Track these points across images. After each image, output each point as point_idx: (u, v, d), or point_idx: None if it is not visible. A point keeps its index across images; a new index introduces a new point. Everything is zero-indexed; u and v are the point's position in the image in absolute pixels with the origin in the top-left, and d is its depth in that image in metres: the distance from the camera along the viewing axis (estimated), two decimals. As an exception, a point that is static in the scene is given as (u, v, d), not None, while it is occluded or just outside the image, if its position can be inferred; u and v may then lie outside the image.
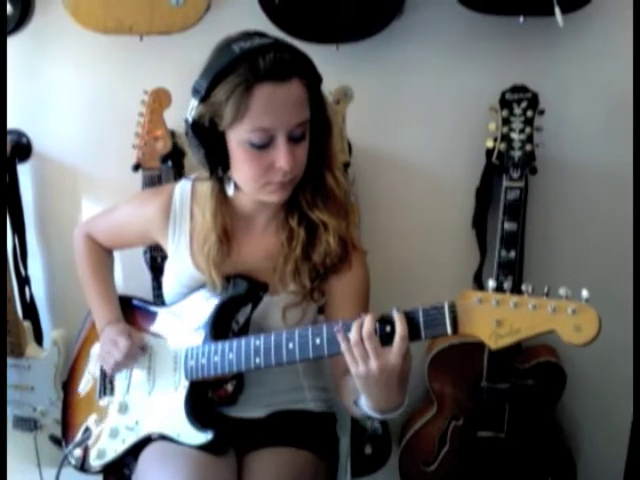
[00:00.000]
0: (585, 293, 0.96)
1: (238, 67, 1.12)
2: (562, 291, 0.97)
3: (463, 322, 1.02)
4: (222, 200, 1.31)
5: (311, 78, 1.18)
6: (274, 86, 1.13)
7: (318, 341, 1.13)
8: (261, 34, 1.19)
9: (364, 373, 1.08)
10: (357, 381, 1.11)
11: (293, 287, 1.33)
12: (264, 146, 1.16)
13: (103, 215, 1.54)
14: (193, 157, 1.24)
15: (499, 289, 1.02)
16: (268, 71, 1.12)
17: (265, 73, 1.12)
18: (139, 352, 1.38)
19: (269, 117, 1.14)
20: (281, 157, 1.16)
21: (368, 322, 1.07)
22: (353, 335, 1.08)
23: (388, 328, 1.07)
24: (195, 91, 1.16)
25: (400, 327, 1.05)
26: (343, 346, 1.09)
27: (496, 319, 1.00)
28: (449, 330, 1.03)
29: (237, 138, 1.17)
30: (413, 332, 1.06)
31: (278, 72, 1.12)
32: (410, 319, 1.06)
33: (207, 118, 1.17)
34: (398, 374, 1.08)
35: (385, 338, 1.07)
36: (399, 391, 1.11)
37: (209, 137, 1.18)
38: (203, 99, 1.15)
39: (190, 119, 1.17)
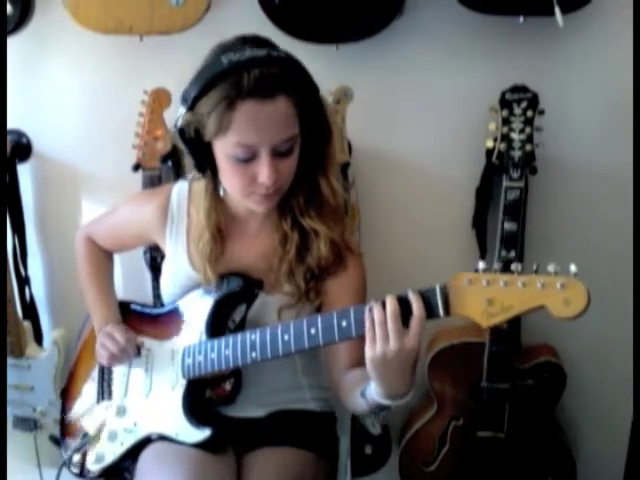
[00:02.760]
0: (573, 268, 0.98)
1: (223, 81, 1.12)
2: (551, 267, 0.99)
3: (455, 304, 1.03)
4: (216, 199, 1.32)
5: (301, 93, 1.16)
6: (258, 103, 1.12)
7: (313, 331, 1.13)
8: (256, 41, 1.18)
9: (381, 355, 1.06)
10: (371, 365, 1.09)
11: (288, 288, 1.33)
12: (248, 160, 1.17)
13: (102, 217, 1.54)
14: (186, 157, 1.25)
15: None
16: (252, 88, 1.11)
17: (249, 90, 1.11)
18: (134, 349, 1.39)
19: (252, 134, 1.14)
20: (263, 172, 1.16)
21: (391, 302, 1.06)
22: (377, 315, 1.06)
23: (404, 309, 1.06)
24: (183, 99, 1.17)
25: (417, 307, 1.05)
26: (368, 325, 1.07)
27: (487, 298, 1.01)
28: (441, 311, 1.04)
29: (222, 150, 1.18)
30: (406, 315, 1.06)
31: (262, 89, 1.11)
32: (403, 302, 1.06)
33: (192, 127, 1.17)
34: (413, 357, 1.07)
35: (402, 319, 1.06)
36: (411, 375, 1.10)
37: (196, 145, 1.19)
38: (189, 108, 1.16)
39: (178, 126, 1.18)
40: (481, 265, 1.03)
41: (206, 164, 1.22)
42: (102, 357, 1.40)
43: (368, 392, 1.17)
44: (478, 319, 1.02)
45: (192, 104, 1.15)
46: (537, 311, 1.00)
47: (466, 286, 1.02)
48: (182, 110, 1.17)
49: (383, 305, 1.07)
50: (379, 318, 1.06)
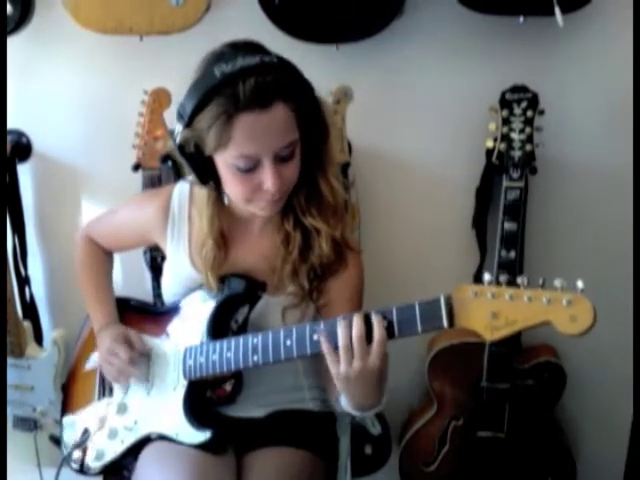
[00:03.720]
0: (580, 284, 0.97)
1: (218, 95, 1.11)
2: (557, 282, 0.98)
3: (459, 315, 1.03)
4: (219, 206, 1.32)
5: (297, 96, 1.16)
6: (256, 114, 1.11)
7: (315, 337, 1.14)
8: (247, 47, 1.17)
9: (345, 374, 1.10)
10: (337, 382, 1.14)
11: (292, 288, 1.33)
12: (251, 169, 1.17)
13: (103, 218, 1.54)
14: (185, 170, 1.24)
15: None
16: (249, 100, 1.10)
17: (246, 102, 1.10)
18: (140, 359, 1.37)
19: (253, 145, 1.14)
20: (268, 180, 1.16)
21: (358, 325, 1.08)
22: (342, 338, 1.09)
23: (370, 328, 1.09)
24: (179, 116, 1.16)
25: (377, 331, 1.07)
26: (325, 348, 1.11)
27: (492, 311, 1.00)
28: (445, 323, 1.04)
29: (223, 161, 1.18)
30: (409, 326, 1.06)
31: (259, 100, 1.11)
32: (405, 315, 1.07)
33: (192, 143, 1.17)
34: (377, 374, 1.10)
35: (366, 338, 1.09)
36: (378, 390, 1.15)
37: (196, 159, 1.19)
38: (187, 125, 1.15)
39: (176, 142, 1.17)
40: (487, 277, 1.02)
41: (208, 176, 1.22)
42: (109, 375, 1.39)
43: (341, 400, 1.21)
44: (482, 332, 1.02)
45: (189, 120, 1.14)
46: (542, 326, 0.99)
47: (471, 298, 1.02)
48: (179, 127, 1.17)
49: (349, 327, 1.09)
50: (344, 342, 1.09)
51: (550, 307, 0.97)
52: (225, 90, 1.11)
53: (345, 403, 1.20)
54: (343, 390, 1.16)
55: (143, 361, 1.38)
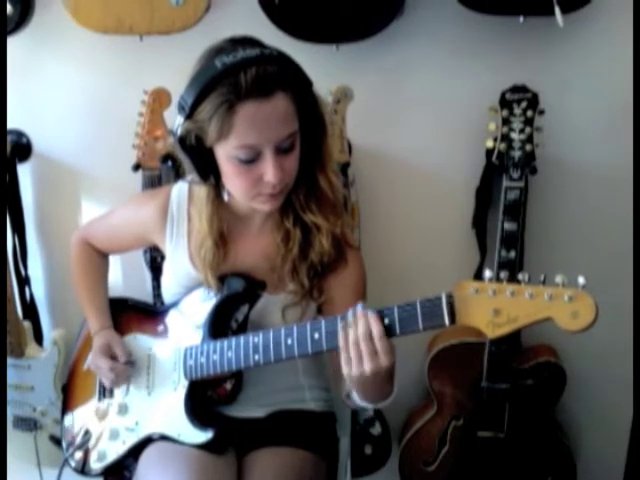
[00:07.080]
0: (581, 280, 0.96)
1: (220, 85, 1.11)
2: (558, 279, 0.98)
3: (460, 312, 1.03)
4: (218, 204, 1.31)
5: (297, 88, 1.16)
6: (257, 103, 1.12)
7: (317, 336, 1.14)
8: (246, 42, 1.17)
9: (358, 374, 1.09)
10: (348, 380, 1.13)
11: (292, 287, 1.33)
12: (252, 160, 1.17)
13: (100, 219, 1.54)
14: (185, 166, 1.24)
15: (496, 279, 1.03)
16: (250, 89, 1.10)
17: (247, 91, 1.11)
18: (126, 369, 1.39)
19: (254, 134, 1.14)
20: (269, 171, 1.16)
21: (362, 323, 1.08)
22: (351, 335, 1.09)
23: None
24: (180, 108, 1.16)
25: (374, 328, 1.07)
26: (342, 343, 1.09)
27: (493, 308, 1.00)
28: (447, 321, 1.04)
29: (224, 153, 1.18)
30: (411, 324, 1.06)
31: (260, 89, 1.11)
32: (406, 313, 1.07)
33: (193, 134, 1.17)
34: (389, 372, 1.11)
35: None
36: (389, 383, 1.15)
37: (197, 152, 1.19)
38: (188, 116, 1.15)
39: (177, 135, 1.17)
40: (488, 274, 1.02)
41: (209, 170, 1.22)
42: (105, 380, 1.42)
43: (352, 396, 1.21)
44: (484, 329, 1.01)
45: (191, 111, 1.14)
46: (544, 322, 0.99)
47: (472, 295, 1.02)
48: (180, 119, 1.17)
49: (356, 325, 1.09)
50: (352, 338, 1.09)
51: (552, 303, 0.97)
52: (226, 80, 1.11)
53: (358, 399, 1.19)
54: (356, 389, 1.16)
55: (128, 369, 1.39)
